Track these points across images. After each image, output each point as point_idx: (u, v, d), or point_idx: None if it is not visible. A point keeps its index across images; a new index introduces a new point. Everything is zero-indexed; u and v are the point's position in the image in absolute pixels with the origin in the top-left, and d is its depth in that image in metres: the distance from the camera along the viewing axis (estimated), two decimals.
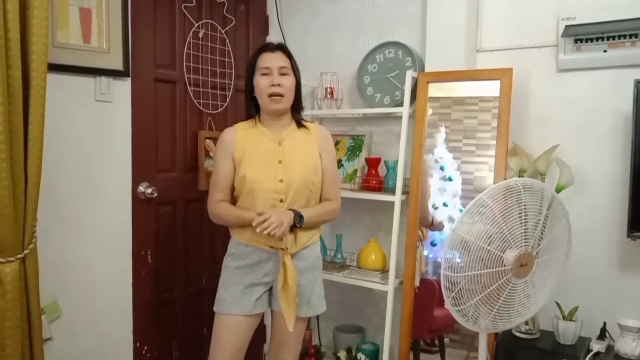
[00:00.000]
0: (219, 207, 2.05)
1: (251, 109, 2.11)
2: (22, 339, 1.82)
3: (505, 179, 2.25)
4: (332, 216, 2.13)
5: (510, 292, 1.84)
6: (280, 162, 2.01)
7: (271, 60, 2.02)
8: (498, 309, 1.84)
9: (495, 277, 1.79)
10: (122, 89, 2.33)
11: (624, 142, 2.23)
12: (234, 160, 2.04)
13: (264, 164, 2.01)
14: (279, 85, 2.00)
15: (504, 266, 1.79)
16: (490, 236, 1.78)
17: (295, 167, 2.01)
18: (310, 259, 2.08)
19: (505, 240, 1.78)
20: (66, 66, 2.11)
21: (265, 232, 1.87)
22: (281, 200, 1.99)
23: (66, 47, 2.10)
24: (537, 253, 1.85)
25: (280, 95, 2.01)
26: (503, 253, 1.79)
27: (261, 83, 2.02)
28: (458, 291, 1.77)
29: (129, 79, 2.34)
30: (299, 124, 2.12)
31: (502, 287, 1.81)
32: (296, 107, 2.12)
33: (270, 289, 2.07)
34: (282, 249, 1.99)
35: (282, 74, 2.02)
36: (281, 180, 1.99)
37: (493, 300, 1.83)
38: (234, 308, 2.01)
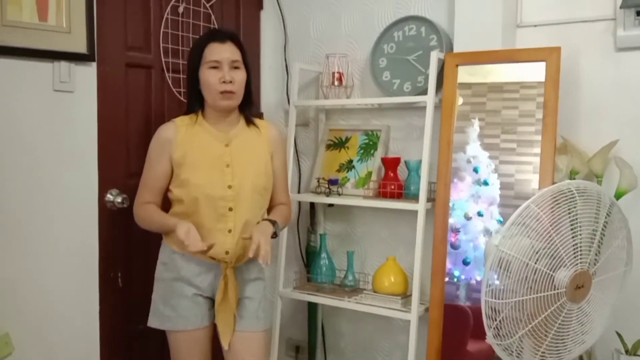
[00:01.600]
0: (142, 209, 2.17)
1: (195, 104, 2.21)
2: None
3: (553, 182, 2.24)
4: (288, 222, 2.38)
5: (564, 321, 1.82)
6: (228, 165, 2.13)
7: (221, 53, 2.13)
8: (549, 342, 1.82)
9: (547, 303, 1.78)
10: (86, 76, 2.33)
11: None
12: (171, 162, 2.14)
13: (209, 168, 2.12)
14: (230, 82, 2.11)
15: (557, 289, 1.78)
16: (538, 252, 1.77)
17: (245, 172, 2.15)
18: (256, 269, 2.25)
19: (556, 257, 1.77)
20: (18, 49, 2.10)
21: (263, 260, 2.01)
22: (230, 209, 2.11)
23: (18, 25, 2.09)
24: (594, 272, 1.85)
25: (232, 92, 2.13)
26: (554, 272, 1.77)
27: (210, 78, 2.12)
28: (500, 321, 1.76)
29: (94, 64, 2.34)
30: (248, 121, 2.26)
31: (554, 314, 1.80)
32: (246, 103, 2.24)
33: (214, 302, 2.18)
34: (226, 262, 2.12)
35: (234, 68, 2.14)
36: (230, 187, 2.11)
37: (542, 332, 1.81)
38: (181, 324, 2.14)
